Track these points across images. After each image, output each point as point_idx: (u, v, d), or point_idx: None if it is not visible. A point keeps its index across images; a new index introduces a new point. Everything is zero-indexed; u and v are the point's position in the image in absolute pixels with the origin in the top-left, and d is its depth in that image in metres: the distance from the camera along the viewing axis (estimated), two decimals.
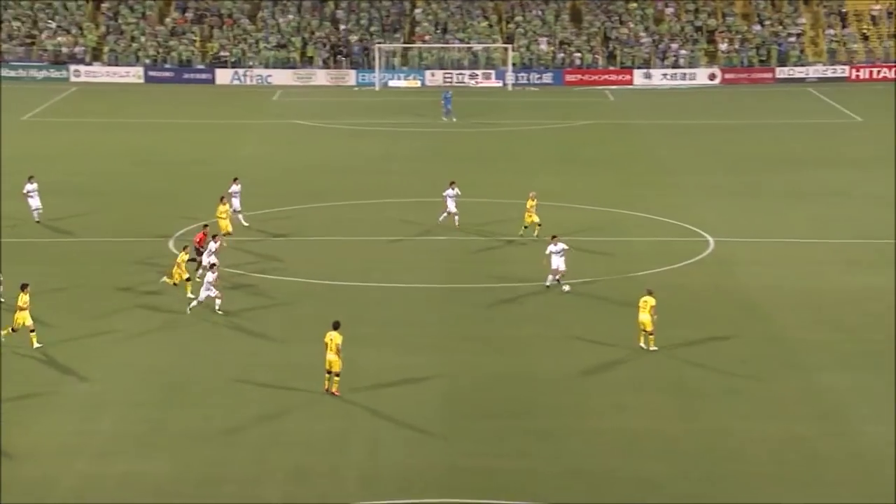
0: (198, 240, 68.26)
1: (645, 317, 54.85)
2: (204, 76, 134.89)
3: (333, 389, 49.74)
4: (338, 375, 49.81)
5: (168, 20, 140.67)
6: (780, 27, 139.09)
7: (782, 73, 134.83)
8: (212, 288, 60.16)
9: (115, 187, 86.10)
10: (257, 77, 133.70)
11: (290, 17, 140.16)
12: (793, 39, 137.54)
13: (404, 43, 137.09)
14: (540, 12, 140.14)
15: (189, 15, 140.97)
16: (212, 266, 61.09)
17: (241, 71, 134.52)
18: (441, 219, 74.34)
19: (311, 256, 71.25)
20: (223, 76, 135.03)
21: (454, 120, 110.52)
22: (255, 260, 70.40)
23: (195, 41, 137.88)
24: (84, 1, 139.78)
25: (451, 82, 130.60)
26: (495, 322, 60.18)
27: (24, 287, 55.16)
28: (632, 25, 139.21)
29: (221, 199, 74.42)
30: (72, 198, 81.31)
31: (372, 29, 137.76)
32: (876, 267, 68.91)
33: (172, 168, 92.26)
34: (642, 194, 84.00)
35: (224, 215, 74.04)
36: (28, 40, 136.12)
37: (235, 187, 77.40)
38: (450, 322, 60.79)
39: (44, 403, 49.91)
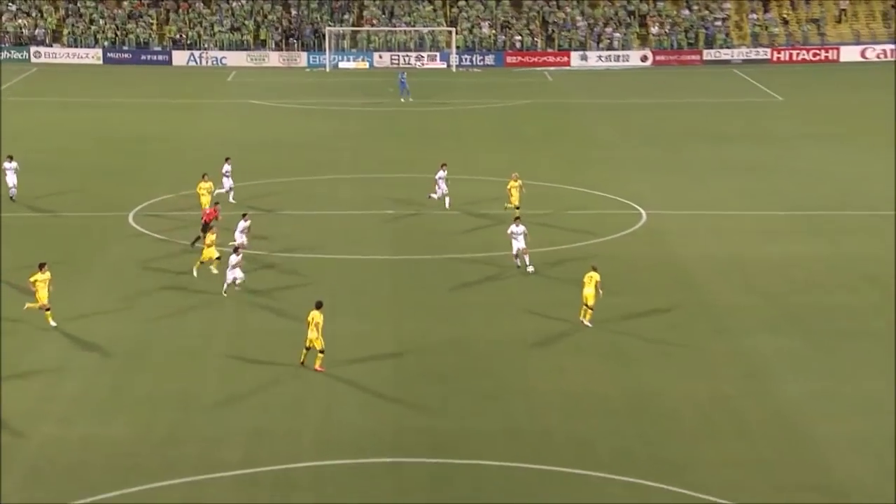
0: (207, 216, 67.71)
1: (589, 291, 54.56)
2: (161, 58, 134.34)
3: (317, 366, 49.40)
4: (322, 353, 49.30)
5: (125, 3, 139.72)
6: (707, 12, 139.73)
7: (709, 55, 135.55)
8: (238, 269, 58.74)
9: (77, 164, 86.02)
10: (212, 59, 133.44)
11: (244, 1, 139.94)
12: (719, 23, 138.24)
13: (353, 26, 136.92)
14: (486, 4, 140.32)
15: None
16: (235, 249, 59.35)
17: (196, 53, 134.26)
18: (435, 197, 74.37)
19: (270, 230, 70.88)
20: (179, 58, 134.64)
21: (410, 100, 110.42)
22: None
23: (152, 24, 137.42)
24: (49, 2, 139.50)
25: (397, 64, 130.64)
26: (443, 292, 60.54)
27: (41, 266, 54.19)
28: (568, 10, 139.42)
29: (203, 175, 73.11)
30: (35, 175, 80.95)
31: (322, 12, 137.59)
32: (797, 236, 69.68)
33: (132, 145, 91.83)
34: (579, 170, 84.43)
35: (204, 191, 72.34)
36: None
37: (227, 167, 76.72)
38: (402, 291, 61.12)
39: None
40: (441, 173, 74.69)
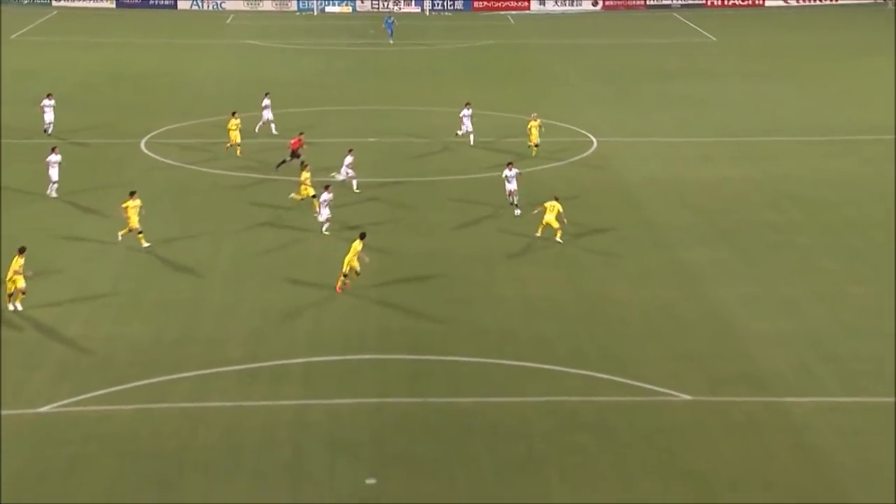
0: (293, 144, 66.98)
1: (550, 217, 54.78)
2: (167, 2, 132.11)
3: (346, 285, 49.44)
4: (358, 274, 49.42)
5: None
6: None
7: (652, 0, 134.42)
8: (327, 207, 56.87)
9: (92, 97, 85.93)
10: (213, 3, 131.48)
11: None
12: None
13: None
14: None
15: None
16: (327, 187, 57.18)
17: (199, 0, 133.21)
18: (460, 133, 73.07)
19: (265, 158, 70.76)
20: (183, 3, 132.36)
21: (392, 42, 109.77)
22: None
23: None
24: None
25: (377, 9, 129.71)
26: (421, 210, 60.82)
27: (132, 194, 53.14)
28: None
29: (233, 113, 71.96)
30: (57, 104, 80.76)
31: None
32: (729, 160, 70.03)
33: (141, 81, 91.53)
34: (538, 102, 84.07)
35: (234, 127, 70.79)
36: None
37: (267, 101, 75.86)
38: (386, 211, 61.43)
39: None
40: (466, 111, 73.36)
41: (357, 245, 48.62)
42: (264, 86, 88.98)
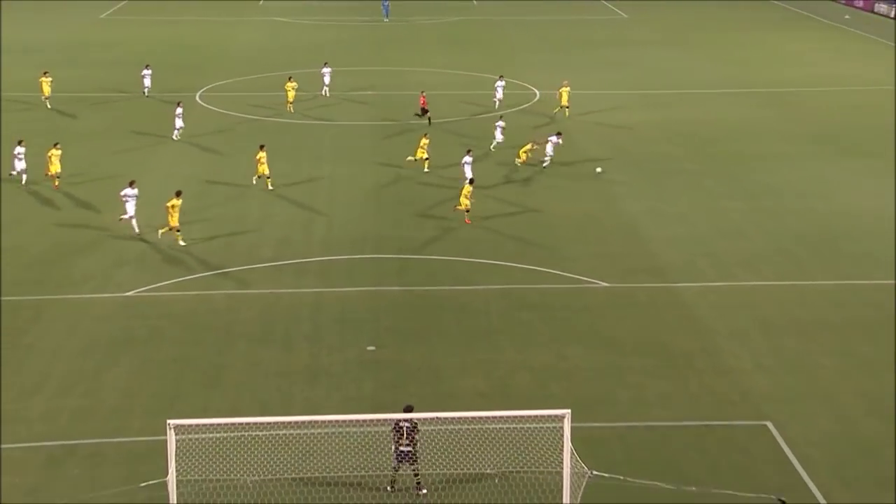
0: (422, 103, 64.40)
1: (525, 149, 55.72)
2: None
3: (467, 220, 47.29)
4: (468, 211, 47.29)
5: None
6: None
7: None
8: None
9: (158, 58, 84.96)
10: None
11: None
12: None
13: None
14: None
15: None
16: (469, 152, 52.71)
17: None
18: (495, 100, 69.91)
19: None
20: None
21: (387, 20, 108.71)
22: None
23: None
24: None
25: None
26: (403, 148, 60.16)
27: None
28: None
29: (289, 77, 69.90)
30: (127, 68, 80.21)
31: None
32: (640, 108, 69.66)
33: (194, 50, 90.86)
34: (498, 64, 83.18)
35: (290, 89, 68.26)
36: None
37: (326, 69, 73.49)
38: (376, 148, 61.27)
39: None
40: (500, 83, 70.37)
41: (467, 188, 47.32)
42: (289, 53, 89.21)
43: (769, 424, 30.87)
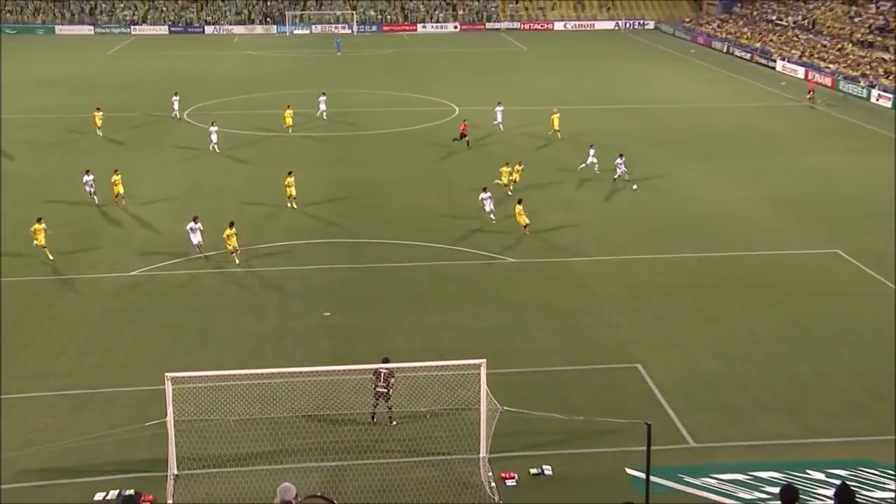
0: (462, 128, 60.40)
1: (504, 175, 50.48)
2: (198, 30, 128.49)
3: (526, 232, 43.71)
4: (527, 226, 44.55)
5: (180, 2, 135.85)
6: (487, 2, 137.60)
7: (490, 25, 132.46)
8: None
9: (152, 87, 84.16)
10: (226, 30, 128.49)
11: None
12: (494, 7, 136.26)
13: (301, 10, 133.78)
14: None
15: None
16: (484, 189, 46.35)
17: (217, 27, 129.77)
18: (495, 123, 65.68)
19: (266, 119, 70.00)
20: (209, 30, 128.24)
21: (339, 54, 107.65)
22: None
23: (194, 11, 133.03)
24: (140, 1, 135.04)
25: (328, 31, 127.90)
26: (356, 151, 60.35)
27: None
28: (415, 2, 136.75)
29: (287, 106, 67.00)
30: (129, 93, 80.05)
31: (283, 4, 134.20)
32: (534, 118, 68.35)
33: (183, 78, 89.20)
34: (425, 86, 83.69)
35: (288, 117, 65.09)
36: (111, 14, 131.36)
37: (323, 97, 70.64)
38: (333, 148, 61.18)
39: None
40: (499, 108, 66.02)
41: (518, 207, 43.87)
42: (259, 80, 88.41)
43: (639, 367, 31.38)
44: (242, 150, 60.67)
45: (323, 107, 70.07)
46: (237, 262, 40.32)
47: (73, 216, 47.05)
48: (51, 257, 40.45)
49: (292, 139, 63.96)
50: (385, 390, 26.99)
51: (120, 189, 48.25)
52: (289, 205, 48.17)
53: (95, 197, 48.04)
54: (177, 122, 69.43)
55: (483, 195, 45.38)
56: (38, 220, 40.83)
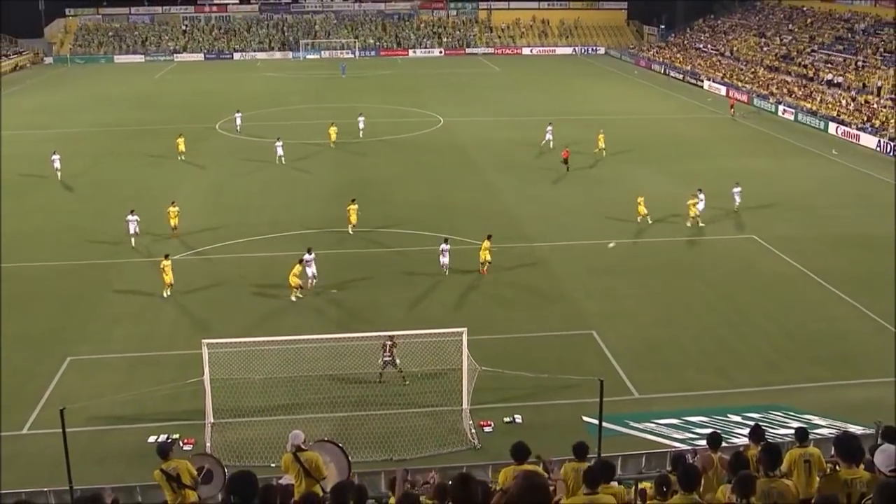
0: (565, 155, 55.23)
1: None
2: (228, 57, 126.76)
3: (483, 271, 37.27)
4: (489, 263, 37.23)
5: (214, 32, 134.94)
6: (468, 33, 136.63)
7: (469, 50, 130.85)
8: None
9: (190, 102, 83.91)
10: (250, 56, 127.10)
11: (263, 30, 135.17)
12: (473, 35, 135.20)
13: (313, 39, 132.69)
14: (370, 28, 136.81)
15: (222, 30, 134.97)
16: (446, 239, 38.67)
17: (243, 53, 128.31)
18: (542, 143, 61.53)
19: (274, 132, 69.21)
20: (237, 56, 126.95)
21: (344, 77, 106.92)
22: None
23: (224, 41, 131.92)
24: (181, 33, 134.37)
25: (335, 55, 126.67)
26: (370, 156, 60.16)
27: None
28: (407, 31, 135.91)
29: (331, 123, 63.76)
30: (172, 110, 79.36)
31: (298, 33, 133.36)
32: (508, 129, 68.46)
33: (213, 96, 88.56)
34: (416, 100, 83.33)
35: (332, 133, 62.09)
36: (158, 45, 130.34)
37: (362, 118, 66.50)
38: (340, 160, 60.72)
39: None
40: (549, 128, 61.63)
41: (486, 243, 37.02)
42: (276, 95, 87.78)
43: (594, 333, 31.48)
44: (311, 165, 57.61)
45: (362, 125, 66.16)
46: (294, 298, 34.64)
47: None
48: (167, 293, 34.94)
49: (337, 152, 61.37)
50: (390, 359, 27.12)
51: (176, 221, 41.90)
52: (350, 231, 42.54)
53: (133, 239, 40.40)
54: (235, 137, 67.14)
55: (443, 246, 37.06)
56: (166, 257, 35.50)
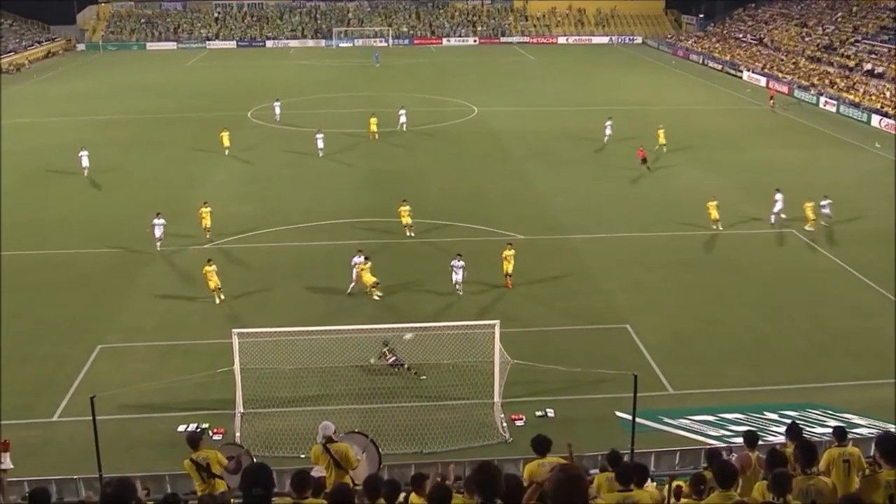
0: (641, 155, 52.69)
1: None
2: (260, 44, 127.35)
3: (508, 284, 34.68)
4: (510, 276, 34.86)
5: (246, 19, 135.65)
6: (503, 22, 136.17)
7: (504, 39, 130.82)
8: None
9: (222, 90, 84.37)
10: (283, 44, 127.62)
11: (296, 18, 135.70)
12: (507, 24, 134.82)
13: (346, 27, 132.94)
14: (403, 16, 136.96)
15: (255, 18, 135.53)
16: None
17: (276, 41, 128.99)
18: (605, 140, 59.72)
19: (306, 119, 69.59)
20: (269, 44, 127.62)
21: (378, 65, 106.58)
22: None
23: (258, 28, 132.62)
24: (213, 21, 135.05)
25: (368, 44, 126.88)
26: (405, 144, 60.39)
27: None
28: (441, 20, 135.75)
29: (372, 113, 62.79)
30: (203, 98, 80.00)
31: (331, 21, 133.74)
32: (539, 119, 68.28)
33: (246, 84, 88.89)
34: (448, 89, 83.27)
35: (373, 124, 61.03)
36: (190, 32, 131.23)
37: (403, 111, 64.03)
38: (374, 148, 61.00)
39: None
40: (609, 122, 60.08)
41: (507, 251, 34.75)
42: (310, 84, 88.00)
43: (628, 327, 31.27)
44: (345, 155, 57.25)
45: (403, 119, 63.61)
46: (376, 297, 33.82)
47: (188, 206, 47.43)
48: (221, 298, 33.61)
49: (376, 144, 60.48)
50: (394, 360, 27.56)
51: (208, 222, 40.37)
52: (408, 233, 40.84)
53: (159, 243, 39.03)
54: (271, 126, 67.04)
55: (455, 262, 34.12)
56: (208, 262, 34.03)
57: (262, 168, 54.39)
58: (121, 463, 21.78)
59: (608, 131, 59.96)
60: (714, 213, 41.21)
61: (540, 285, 35.08)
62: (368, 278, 33.37)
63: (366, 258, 34.11)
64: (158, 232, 38.68)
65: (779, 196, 42.25)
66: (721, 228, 41.25)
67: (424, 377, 27.19)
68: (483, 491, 6.76)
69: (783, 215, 42.37)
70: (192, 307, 33.23)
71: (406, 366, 27.37)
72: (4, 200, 46.93)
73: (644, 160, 52.55)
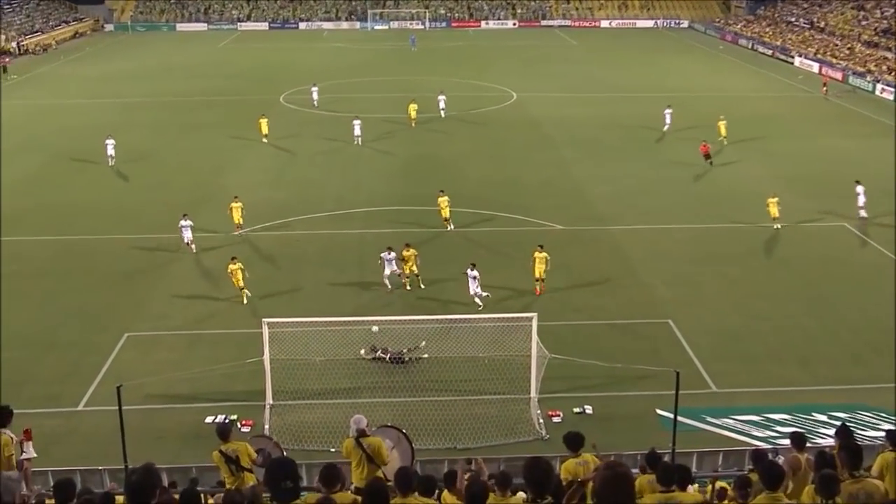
0: (704, 150, 50.54)
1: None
2: (293, 26, 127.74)
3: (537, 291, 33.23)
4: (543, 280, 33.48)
5: (280, 0, 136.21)
6: (544, 4, 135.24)
7: (545, 22, 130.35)
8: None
9: (255, 73, 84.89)
10: (316, 26, 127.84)
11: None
12: (548, 6, 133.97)
13: (381, 9, 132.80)
14: None
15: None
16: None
17: (309, 23, 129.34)
18: (664, 129, 58.87)
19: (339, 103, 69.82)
20: (303, 26, 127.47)
21: (414, 49, 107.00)
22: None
23: (291, 9, 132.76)
24: (245, 1, 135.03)
25: (404, 26, 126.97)
26: (433, 135, 60.46)
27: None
28: (480, 2, 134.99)
29: (412, 99, 62.10)
30: (236, 80, 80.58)
31: (367, 3, 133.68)
32: (581, 105, 68.03)
33: (276, 68, 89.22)
34: (486, 73, 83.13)
35: (412, 111, 60.54)
36: (221, 13, 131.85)
37: (441, 97, 63.57)
38: (416, 134, 61.11)
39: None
40: (668, 111, 59.30)
41: (539, 254, 33.25)
42: (345, 68, 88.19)
43: (670, 322, 31.07)
44: (381, 142, 57.10)
45: (443, 105, 63.13)
46: (422, 286, 33.79)
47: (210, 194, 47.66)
48: (248, 295, 32.91)
49: (415, 131, 60.12)
50: (387, 354, 27.74)
51: (238, 218, 39.57)
52: (448, 227, 40.20)
53: (193, 245, 37.86)
54: (306, 111, 66.99)
55: (470, 271, 32.05)
56: (233, 260, 33.27)
57: (297, 155, 54.57)
58: (147, 454, 21.74)
59: (668, 119, 59.23)
60: (774, 211, 40.07)
61: (579, 277, 34.90)
62: (412, 266, 33.21)
63: (407, 245, 33.94)
64: (187, 236, 37.46)
65: (860, 189, 41.27)
66: (779, 227, 40.23)
67: (423, 343, 27.51)
68: (536, 487, 6.78)
69: (863, 213, 41.33)
70: (219, 296, 33.42)
71: (400, 354, 27.72)
72: (32, 183, 47.77)
73: (707, 156, 50.83)
